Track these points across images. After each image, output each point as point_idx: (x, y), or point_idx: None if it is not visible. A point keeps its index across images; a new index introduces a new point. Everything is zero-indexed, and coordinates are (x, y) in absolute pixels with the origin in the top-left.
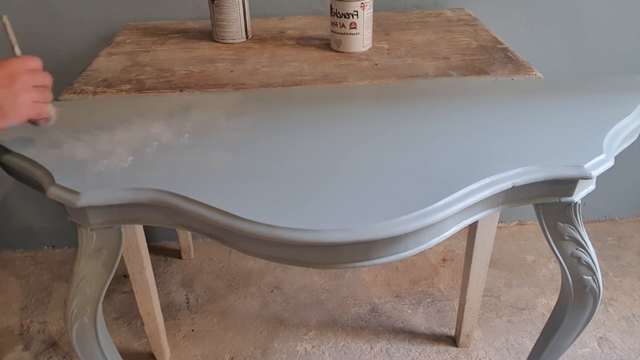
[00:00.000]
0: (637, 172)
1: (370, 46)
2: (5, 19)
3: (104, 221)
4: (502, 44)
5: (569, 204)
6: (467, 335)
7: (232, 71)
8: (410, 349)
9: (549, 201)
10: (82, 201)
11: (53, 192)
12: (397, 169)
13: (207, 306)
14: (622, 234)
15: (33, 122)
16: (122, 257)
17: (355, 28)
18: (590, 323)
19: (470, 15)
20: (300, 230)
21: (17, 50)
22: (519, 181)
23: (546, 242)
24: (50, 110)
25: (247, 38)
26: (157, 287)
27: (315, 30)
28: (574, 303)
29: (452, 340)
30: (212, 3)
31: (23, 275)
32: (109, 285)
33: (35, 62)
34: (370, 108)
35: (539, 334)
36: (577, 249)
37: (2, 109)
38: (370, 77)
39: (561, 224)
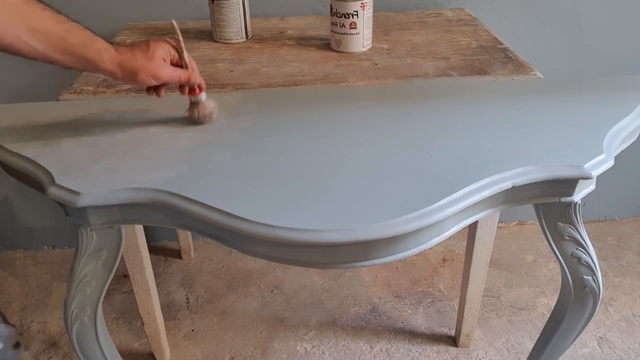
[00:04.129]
0: (637, 172)
1: (370, 46)
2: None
3: (104, 221)
4: (502, 44)
5: (569, 204)
6: (467, 335)
7: (232, 71)
8: (410, 349)
9: (549, 201)
10: (83, 201)
11: (53, 192)
12: (397, 169)
13: (207, 306)
14: (622, 234)
15: (195, 119)
16: (122, 257)
17: (355, 28)
18: (590, 323)
19: (470, 15)
20: (300, 230)
21: (186, 57)
22: (519, 181)
23: (546, 242)
24: (204, 97)
25: (247, 38)
26: (157, 287)
27: (315, 30)
28: (574, 303)
29: (452, 340)
30: (212, 3)
31: (23, 275)
32: (109, 285)
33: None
34: (370, 108)
35: (539, 334)
36: (577, 249)
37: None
38: (370, 77)
39: (561, 224)
